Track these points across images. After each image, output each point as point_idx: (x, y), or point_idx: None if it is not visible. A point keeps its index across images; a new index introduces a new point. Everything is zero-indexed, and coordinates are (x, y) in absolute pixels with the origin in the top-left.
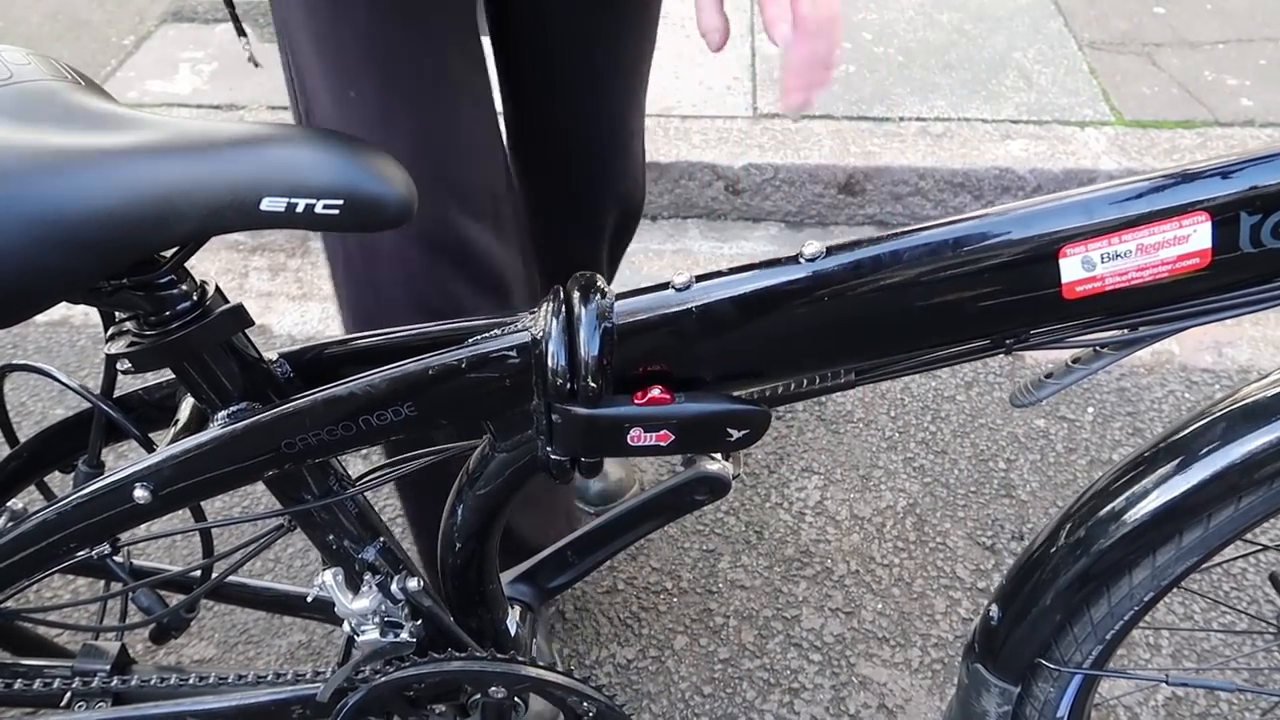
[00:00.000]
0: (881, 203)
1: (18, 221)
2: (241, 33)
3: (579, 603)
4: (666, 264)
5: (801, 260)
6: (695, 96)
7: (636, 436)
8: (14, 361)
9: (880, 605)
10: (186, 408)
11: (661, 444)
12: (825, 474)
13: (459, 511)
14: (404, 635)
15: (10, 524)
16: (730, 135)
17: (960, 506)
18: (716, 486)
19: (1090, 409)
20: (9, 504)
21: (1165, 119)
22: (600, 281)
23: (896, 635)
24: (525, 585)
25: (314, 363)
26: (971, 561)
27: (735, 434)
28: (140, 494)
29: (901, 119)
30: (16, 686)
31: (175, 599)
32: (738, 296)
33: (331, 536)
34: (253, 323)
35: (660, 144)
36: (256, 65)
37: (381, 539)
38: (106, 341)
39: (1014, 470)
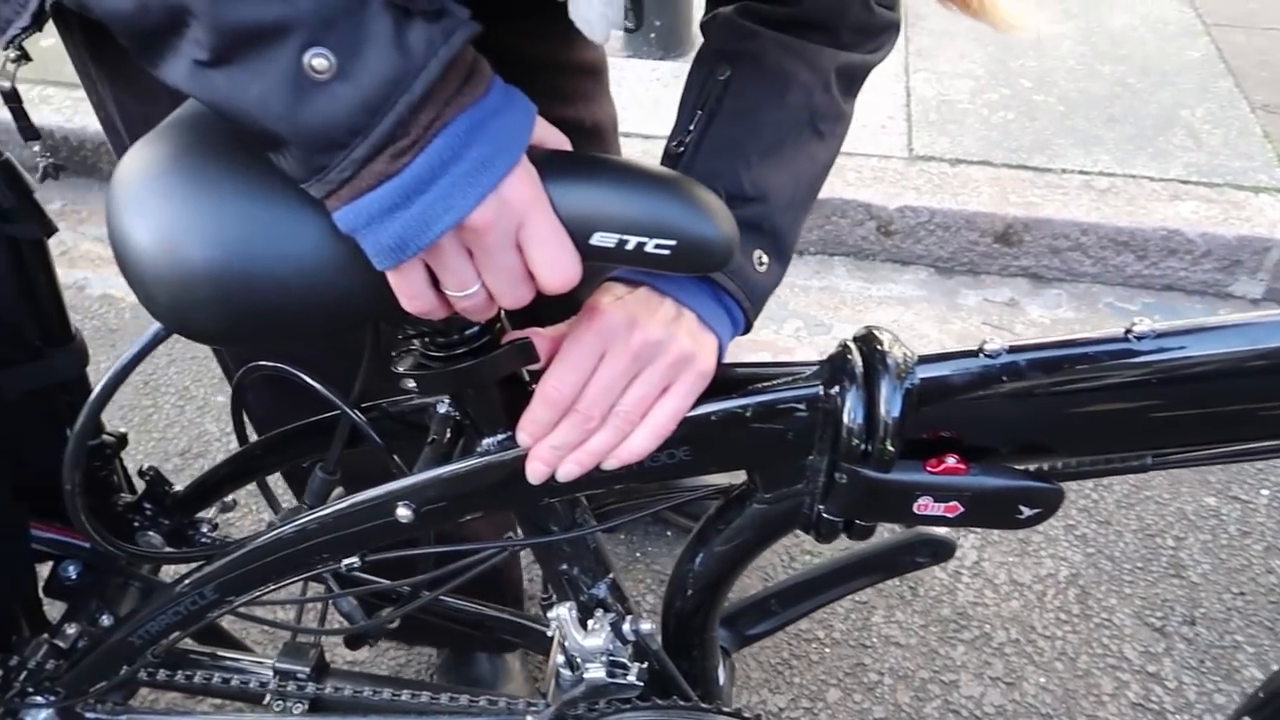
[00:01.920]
0: (1038, 255)
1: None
2: (33, 136)
3: None
4: (813, 300)
5: (1130, 338)
6: (850, 133)
7: (924, 506)
8: (262, 363)
9: (1043, 679)
10: (442, 426)
11: (948, 515)
12: (982, 534)
13: (698, 557)
14: (631, 678)
15: (267, 527)
16: (885, 175)
17: (1126, 582)
18: (941, 550)
19: (1265, 490)
20: (224, 498)
21: None
22: (898, 339)
23: (1061, 713)
24: (724, 630)
25: None
26: (1140, 642)
27: (1027, 512)
28: (403, 512)
29: (1064, 171)
30: (218, 681)
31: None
32: (1055, 370)
33: (566, 567)
34: (539, 359)
35: None
36: (57, 177)
37: (611, 575)
38: (392, 357)
39: (1183, 549)
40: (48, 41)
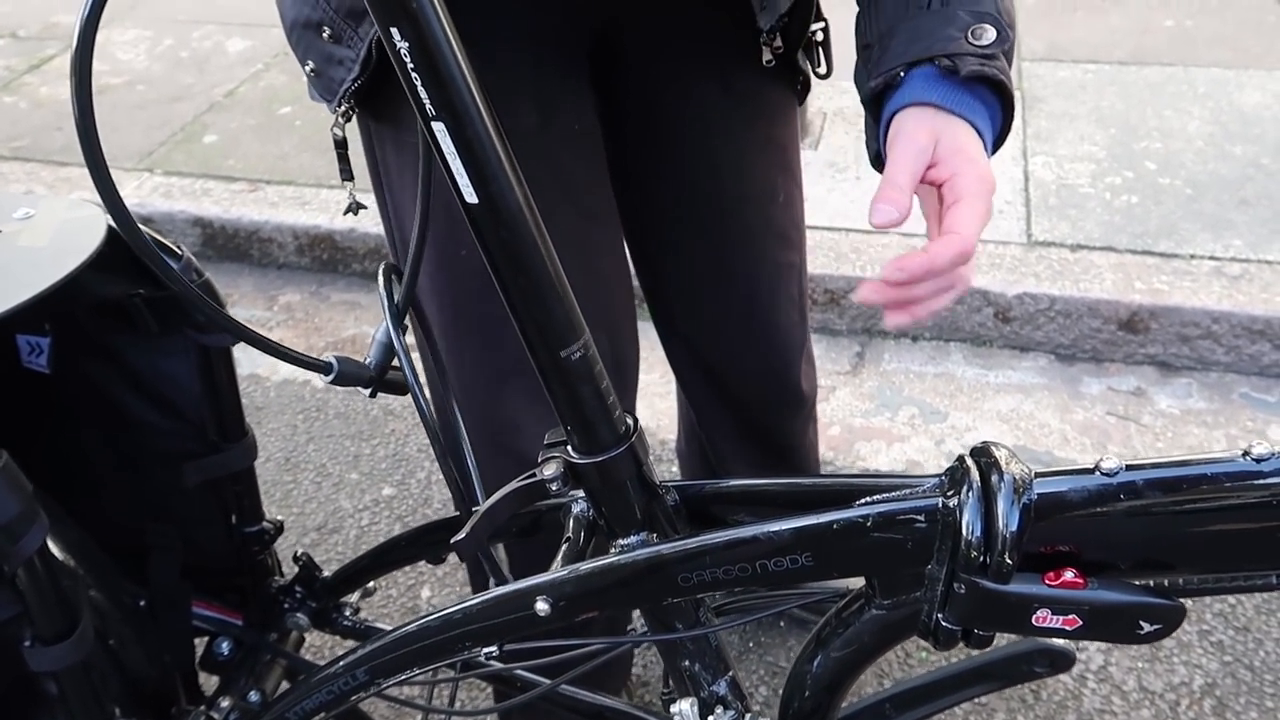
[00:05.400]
0: (1166, 343)
1: None
2: (348, 177)
3: None
4: (928, 387)
5: (1248, 459)
6: None
7: (1042, 618)
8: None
9: None
10: (576, 526)
11: (1067, 628)
12: None
13: (816, 659)
14: None
15: (417, 618)
16: (1003, 261)
17: (1269, 695)
18: (1059, 661)
19: None
20: (366, 585)
21: None
22: (1015, 456)
23: None
24: None
25: (697, 498)
26: None
27: (1147, 627)
28: (541, 606)
29: (1192, 256)
30: None
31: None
32: (1172, 489)
33: (688, 664)
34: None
35: None
36: (356, 213)
37: (731, 673)
38: (540, 464)
39: None
40: (210, 138)
